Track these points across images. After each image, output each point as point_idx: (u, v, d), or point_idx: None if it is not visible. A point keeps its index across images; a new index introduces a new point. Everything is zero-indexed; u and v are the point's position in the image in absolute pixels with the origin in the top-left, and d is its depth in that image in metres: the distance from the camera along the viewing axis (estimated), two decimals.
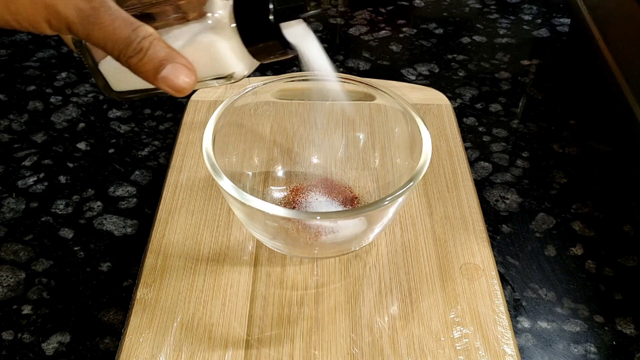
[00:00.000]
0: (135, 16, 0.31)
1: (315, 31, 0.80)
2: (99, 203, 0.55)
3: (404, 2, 0.88)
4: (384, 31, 0.81)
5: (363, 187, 0.51)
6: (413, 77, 0.73)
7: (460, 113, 0.67)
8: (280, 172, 0.52)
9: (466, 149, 0.61)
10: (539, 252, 0.52)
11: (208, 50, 0.33)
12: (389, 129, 0.50)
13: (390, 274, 0.45)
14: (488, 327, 0.42)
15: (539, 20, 0.85)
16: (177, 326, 0.41)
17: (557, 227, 0.55)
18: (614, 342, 0.46)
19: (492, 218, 0.55)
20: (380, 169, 0.51)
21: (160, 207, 0.49)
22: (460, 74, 0.74)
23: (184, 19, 0.34)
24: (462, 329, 0.42)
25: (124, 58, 0.31)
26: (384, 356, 0.40)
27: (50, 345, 0.44)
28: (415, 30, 0.82)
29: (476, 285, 0.44)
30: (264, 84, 0.48)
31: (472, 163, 0.61)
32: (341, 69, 0.74)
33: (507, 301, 0.45)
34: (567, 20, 0.84)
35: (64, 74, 0.71)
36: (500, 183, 0.59)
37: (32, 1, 0.28)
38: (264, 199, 0.47)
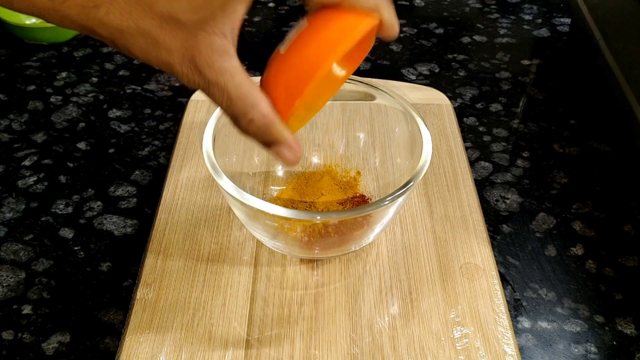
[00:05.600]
0: None
1: None
2: (99, 203, 0.55)
3: (404, 2, 0.88)
4: None
5: (363, 187, 0.51)
6: (413, 77, 0.73)
7: (460, 113, 0.67)
8: (280, 172, 0.52)
9: (466, 148, 0.61)
10: (540, 252, 0.52)
11: None
12: (389, 128, 0.50)
13: (391, 274, 0.45)
14: (488, 327, 0.42)
15: (540, 20, 0.85)
16: (177, 326, 0.41)
17: (557, 227, 0.55)
18: (615, 342, 0.46)
19: (493, 218, 0.55)
20: (381, 169, 0.51)
21: (160, 207, 0.49)
22: (461, 74, 0.74)
23: None
24: (462, 328, 0.42)
25: (235, 123, 0.33)
26: (384, 356, 0.40)
27: (50, 345, 0.44)
28: (415, 30, 0.82)
29: (476, 285, 0.44)
30: None
31: (472, 163, 0.61)
32: None
33: (507, 301, 0.45)
34: (568, 20, 0.84)
35: (64, 74, 0.71)
36: (500, 183, 0.59)
37: (148, 43, 0.29)
38: (264, 199, 0.47)
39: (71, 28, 0.30)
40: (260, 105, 0.32)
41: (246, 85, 0.31)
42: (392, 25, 0.35)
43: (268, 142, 0.34)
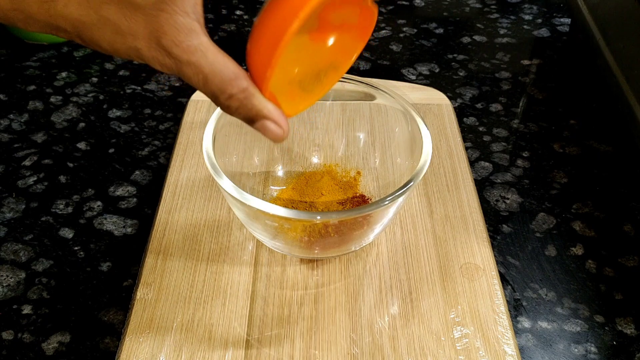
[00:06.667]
0: None
1: None
2: (99, 203, 0.55)
3: (404, 2, 0.88)
4: (384, 31, 0.81)
5: (363, 187, 0.51)
6: (413, 77, 0.73)
7: (460, 113, 0.67)
8: (280, 172, 0.52)
9: (466, 148, 0.61)
10: (540, 252, 0.52)
11: None
12: (389, 128, 0.50)
13: (391, 274, 0.45)
14: (488, 327, 0.42)
15: (540, 20, 0.85)
16: (177, 326, 0.41)
17: (557, 227, 0.55)
18: (615, 342, 0.46)
19: (493, 218, 0.55)
20: (381, 169, 0.51)
21: (160, 207, 0.49)
22: (461, 74, 0.74)
23: None
24: (462, 329, 0.42)
25: (214, 101, 0.32)
26: (384, 356, 0.40)
27: (50, 345, 0.44)
28: (415, 30, 0.82)
29: (476, 285, 0.44)
30: None
31: (472, 163, 0.61)
32: None
33: (507, 301, 0.45)
34: (568, 20, 0.84)
35: (64, 74, 0.71)
36: (500, 183, 0.59)
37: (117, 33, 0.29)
38: (264, 199, 0.47)
39: (38, 29, 0.29)
40: (238, 80, 0.31)
41: (220, 61, 0.30)
42: None
43: (251, 117, 0.33)
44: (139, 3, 0.28)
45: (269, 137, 0.34)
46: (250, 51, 0.32)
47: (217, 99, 0.31)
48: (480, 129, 0.65)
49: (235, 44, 0.72)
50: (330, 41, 0.38)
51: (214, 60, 0.30)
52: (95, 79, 0.71)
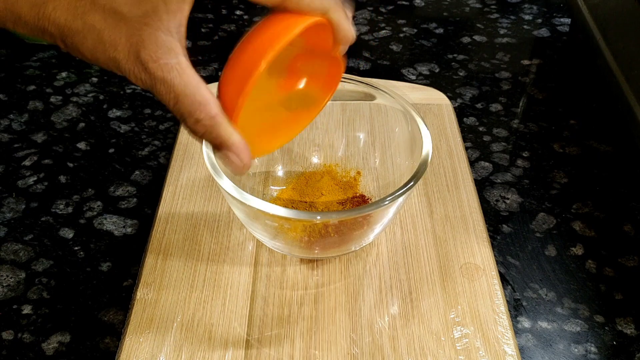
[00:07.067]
0: None
1: None
2: (99, 203, 0.55)
3: (404, 2, 0.88)
4: (384, 31, 0.81)
5: (363, 187, 0.51)
6: (413, 77, 0.73)
7: (460, 113, 0.67)
8: (280, 172, 0.52)
9: (466, 148, 0.61)
10: (540, 252, 0.52)
11: None
12: (389, 128, 0.50)
13: (391, 274, 0.45)
14: (488, 327, 0.42)
15: (540, 20, 0.85)
16: (177, 326, 0.41)
17: (557, 227, 0.55)
18: (615, 342, 0.46)
19: (493, 218, 0.55)
20: (381, 169, 0.51)
21: (160, 207, 0.49)
22: (461, 74, 0.74)
23: None
24: (462, 329, 0.42)
25: (182, 123, 0.32)
26: (384, 356, 0.40)
27: (50, 345, 0.44)
28: (415, 30, 0.82)
29: (476, 285, 0.44)
30: None
31: (472, 163, 0.61)
32: None
33: (507, 301, 0.45)
34: (568, 20, 0.84)
35: (64, 74, 0.71)
36: (500, 183, 0.59)
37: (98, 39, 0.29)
38: (264, 199, 0.47)
39: (26, 31, 0.29)
40: (209, 106, 0.31)
41: (194, 84, 0.30)
42: (342, 26, 0.34)
43: (216, 144, 0.33)
44: (124, 14, 0.28)
45: (228, 168, 0.34)
46: (222, 81, 0.33)
47: (185, 121, 0.32)
48: (480, 129, 0.65)
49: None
50: (299, 87, 0.40)
51: (188, 82, 0.30)
52: (95, 79, 0.71)
